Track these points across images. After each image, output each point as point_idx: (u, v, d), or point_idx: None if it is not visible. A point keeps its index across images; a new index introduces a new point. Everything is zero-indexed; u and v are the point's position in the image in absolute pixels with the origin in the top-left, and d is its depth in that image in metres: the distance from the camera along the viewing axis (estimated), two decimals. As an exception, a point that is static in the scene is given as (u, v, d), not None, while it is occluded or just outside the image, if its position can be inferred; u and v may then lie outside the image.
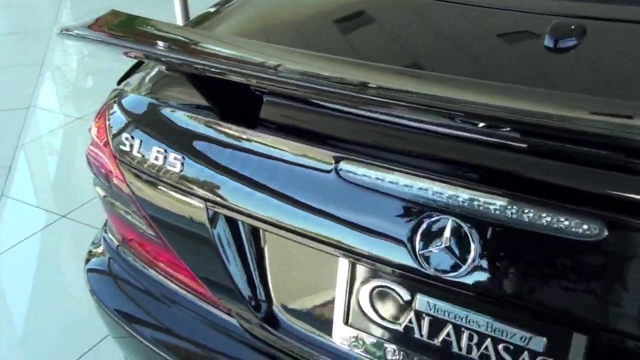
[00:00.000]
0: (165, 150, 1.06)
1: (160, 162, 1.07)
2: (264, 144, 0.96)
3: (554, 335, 0.79)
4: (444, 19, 1.06)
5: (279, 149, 0.95)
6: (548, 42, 0.90)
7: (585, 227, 0.72)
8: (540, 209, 0.75)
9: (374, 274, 0.91)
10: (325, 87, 0.77)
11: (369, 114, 0.91)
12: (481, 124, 0.76)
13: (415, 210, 0.83)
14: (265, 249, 1.02)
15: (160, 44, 0.89)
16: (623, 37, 0.92)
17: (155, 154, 1.07)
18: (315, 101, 0.95)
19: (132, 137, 1.11)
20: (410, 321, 0.89)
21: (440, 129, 0.84)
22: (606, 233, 0.71)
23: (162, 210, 1.10)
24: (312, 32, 1.13)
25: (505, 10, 1.03)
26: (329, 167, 0.89)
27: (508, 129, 0.75)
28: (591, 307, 0.75)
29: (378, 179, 0.85)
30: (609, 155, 0.73)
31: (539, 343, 0.80)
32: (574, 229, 0.73)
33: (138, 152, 1.10)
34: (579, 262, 0.74)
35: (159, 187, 1.09)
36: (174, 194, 1.07)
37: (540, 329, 0.80)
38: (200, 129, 1.03)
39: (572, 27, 0.91)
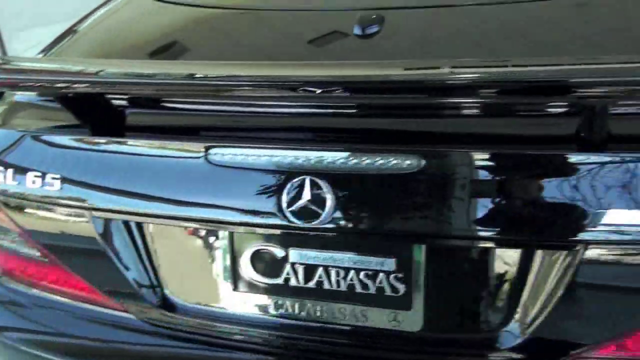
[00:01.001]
0: (41, 174, 1.16)
1: (38, 186, 1.16)
2: (137, 147, 1.10)
3: (400, 252, 1.00)
4: (277, 23, 1.27)
5: (151, 149, 1.09)
6: (357, 30, 1.12)
7: (407, 162, 0.94)
8: (372, 155, 0.96)
9: (251, 240, 1.07)
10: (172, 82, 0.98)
11: (224, 107, 1.09)
12: (318, 91, 0.95)
13: (277, 176, 1.01)
14: (152, 241, 1.14)
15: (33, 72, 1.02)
16: (415, 20, 1.18)
17: (31, 179, 1.16)
18: (176, 103, 1.11)
19: (5, 169, 1.19)
20: (288, 273, 1.07)
21: (284, 109, 1.04)
22: (423, 162, 0.94)
23: (50, 230, 1.19)
24: (152, 45, 1.30)
25: (322, 11, 1.26)
26: (199, 156, 1.05)
27: (339, 91, 0.94)
28: (422, 222, 0.97)
29: (243, 156, 1.02)
30: (414, 104, 0.96)
31: (390, 263, 1.01)
32: (399, 165, 0.95)
33: (14, 181, 1.18)
34: (407, 190, 0.96)
35: (43, 209, 1.18)
36: (58, 212, 1.16)
37: (389, 251, 1.01)
38: (73, 146, 1.14)
39: (374, 16, 1.14)
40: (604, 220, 0.90)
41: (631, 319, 0.94)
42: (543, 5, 1.16)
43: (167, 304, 1.17)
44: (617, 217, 0.89)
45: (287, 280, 1.07)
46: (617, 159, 0.89)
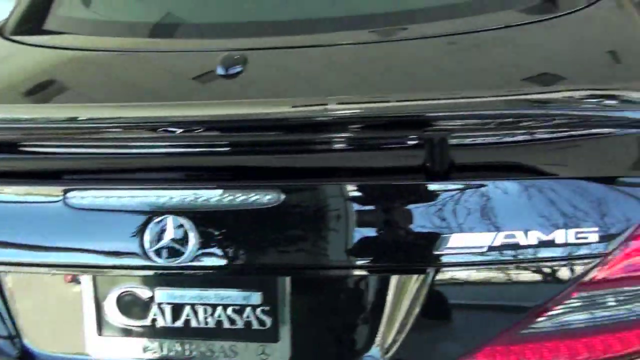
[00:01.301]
0: None
1: None
2: None
3: (265, 285, 1.02)
4: (141, 65, 1.27)
5: (7, 196, 1.05)
6: (220, 71, 1.15)
7: (268, 197, 0.97)
8: (233, 192, 0.98)
9: (116, 283, 1.06)
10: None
11: (84, 149, 1.07)
12: (178, 131, 0.96)
13: (139, 217, 1.01)
14: (10, 289, 1.09)
15: None
16: (275, 59, 1.22)
17: None
18: (34, 147, 1.08)
19: None
20: (154, 314, 1.05)
21: (144, 149, 1.04)
22: (283, 197, 0.97)
23: None
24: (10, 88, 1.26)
25: (190, 52, 1.28)
26: (57, 200, 1.02)
27: (197, 130, 0.96)
28: (284, 255, 1.00)
29: (103, 198, 1.01)
30: (270, 141, 0.99)
31: (256, 297, 1.03)
32: (260, 200, 0.97)
33: None
34: (269, 224, 0.99)
35: None
36: None
37: (254, 285, 1.03)
38: None
39: (237, 57, 1.18)
40: (450, 244, 0.97)
41: (480, 335, 1.01)
42: (398, 45, 1.25)
43: (26, 355, 1.12)
44: (461, 240, 0.97)
45: (154, 321, 1.06)
46: (459, 186, 0.97)
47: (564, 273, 0.97)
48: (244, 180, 1.00)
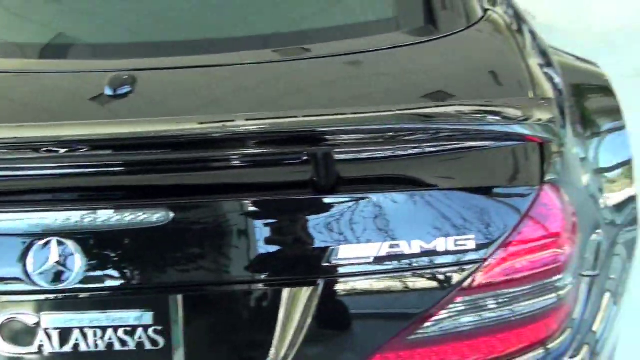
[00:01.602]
0: None
1: None
2: None
3: (157, 305, 1.01)
4: (29, 85, 1.24)
5: None
6: (108, 91, 1.14)
7: (156, 215, 0.97)
8: (120, 211, 0.97)
9: (0, 309, 1.02)
10: None
11: None
12: (62, 151, 0.95)
13: (22, 240, 0.98)
14: None
15: None
16: (165, 79, 1.22)
17: None
18: None
19: None
20: (41, 340, 1.02)
21: (28, 171, 1.01)
22: (172, 215, 0.97)
23: None
24: None
25: (79, 73, 1.25)
26: None
27: (82, 150, 0.95)
28: (174, 273, 1.00)
29: None
30: (158, 160, 0.99)
31: (148, 317, 1.02)
32: (148, 219, 0.97)
33: None
34: (158, 243, 0.99)
35: None
36: None
37: (146, 305, 1.01)
38: None
39: (125, 77, 1.17)
40: (339, 255, 1.00)
41: (371, 343, 1.04)
42: (292, 64, 1.27)
43: None
44: (349, 251, 1.00)
45: (40, 347, 1.03)
46: (346, 199, 1.00)
47: (446, 279, 1.02)
48: (132, 200, 1.00)
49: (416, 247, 1.00)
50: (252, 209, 1.01)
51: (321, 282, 1.01)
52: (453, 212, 1.01)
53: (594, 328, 1.18)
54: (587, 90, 1.63)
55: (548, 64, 1.43)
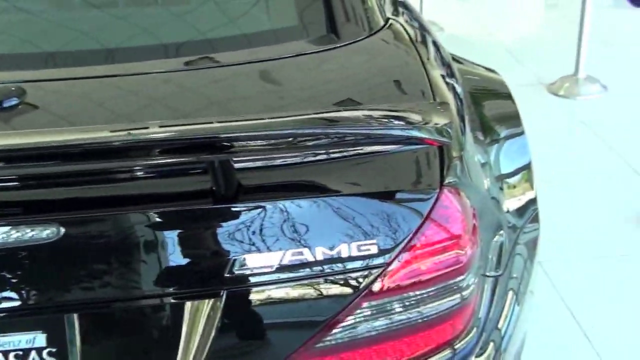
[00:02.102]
0: None
1: None
2: None
3: (51, 325, 0.96)
4: None
5: None
6: None
7: (46, 232, 0.92)
8: (6, 229, 0.92)
9: None
10: None
11: None
12: None
13: None
14: None
15: None
16: (55, 90, 1.17)
17: None
18: None
19: None
20: None
21: None
22: (63, 230, 0.93)
23: None
24: None
25: None
26: None
27: None
28: (70, 291, 0.95)
29: None
30: (46, 173, 0.95)
31: (41, 338, 0.96)
32: (38, 236, 0.92)
33: None
34: (51, 259, 0.94)
35: None
36: None
37: (39, 326, 0.96)
38: None
39: (13, 89, 1.11)
40: (241, 265, 0.98)
41: (278, 354, 1.02)
42: (190, 73, 1.24)
43: None
44: (251, 261, 0.98)
45: None
46: (246, 208, 0.99)
47: (351, 285, 1.02)
48: (19, 216, 0.94)
49: (320, 253, 1.00)
50: (148, 221, 0.97)
51: (224, 293, 0.99)
52: (356, 217, 1.02)
53: (499, 326, 1.21)
54: (487, 97, 1.68)
55: (449, 73, 1.47)
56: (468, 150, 1.24)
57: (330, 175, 1.04)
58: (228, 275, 0.98)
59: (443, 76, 1.37)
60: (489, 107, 1.62)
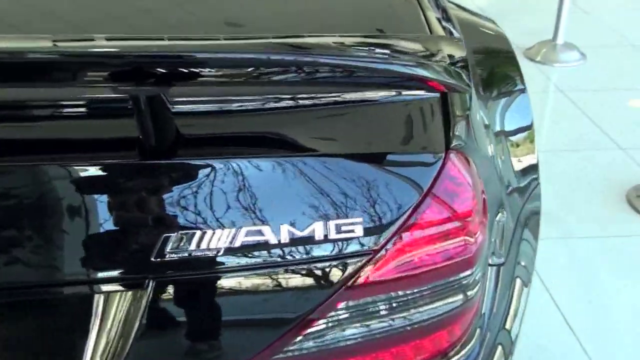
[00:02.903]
0: None
1: None
2: None
3: None
4: None
5: None
6: None
7: None
8: None
9: None
10: None
11: None
12: None
13: None
14: None
15: None
16: None
17: None
18: None
19: None
20: None
21: None
22: None
23: None
24: None
25: None
26: None
27: None
28: None
29: None
30: None
31: None
32: None
33: None
34: None
35: None
36: None
37: None
38: None
39: None
40: (174, 247, 0.71)
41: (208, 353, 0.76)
42: None
43: None
44: (187, 241, 0.71)
45: None
46: (180, 167, 0.71)
47: (324, 277, 0.75)
48: None
49: (285, 234, 0.73)
50: (45, 176, 0.69)
51: (150, 284, 0.71)
52: (335, 186, 0.75)
53: (507, 325, 0.97)
54: (486, 49, 1.42)
55: (447, 18, 1.20)
56: (474, 107, 0.98)
57: (302, 127, 0.76)
58: (157, 259, 0.70)
59: (440, 22, 1.10)
60: (488, 60, 1.36)
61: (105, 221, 0.69)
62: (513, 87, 1.34)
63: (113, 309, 0.72)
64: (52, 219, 0.68)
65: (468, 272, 0.81)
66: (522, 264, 1.06)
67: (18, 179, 0.69)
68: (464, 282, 0.81)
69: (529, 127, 1.31)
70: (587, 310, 2.01)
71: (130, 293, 0.71)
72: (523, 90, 1.35)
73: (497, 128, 1.22)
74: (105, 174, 0.70)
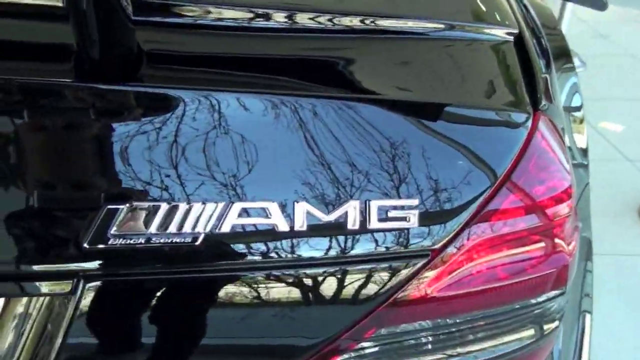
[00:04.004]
0: None
1: None
2: None
3: None
4: None
5: None
6: None
7: None
8: None
9: None
10: None
11: None
12: None
13: None
14: None
15: None
16: None
17: None
18: None
19: None
20: None
21: None
22: None
23: None
24: None
25: None
26: None
27: None
28: None
29: None
30: None
31: None
32: None
33: None
34: None
35: None
36: None
37: None
38: None
39: None
40: (122, 222, 0.44)
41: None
42: None
43: None
44: (145, 216, 0.44)
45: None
46: (145, 97, 0.44)
47: (354, 288, 0.49)
48: None
49: (300, 216, 0.47)
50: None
51: (81, 284, 0.44)
52: (376, 146, 0.49)
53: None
54: (545, 27, 1.20)
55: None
56: (552, 62, 0.74)
57: (336, 57, 0.50)
58: (91, 245, 0.43)
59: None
60: (548, 37, 1.14)
61: (14, 179, 0.42)
62: (566, 64, 1.11)
63: (24, 316, 0.45)
64: None
65: (556, 292, 0.55)
66: (588, 292, 0.81)
67: None
68: (550, 306, 0.55)
69: (580, 107, 1.08)
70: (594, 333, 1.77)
71: (50, 299, 0.44)
72: (573, 68, 1.12)
73: (567, 101, 0.99)
74: (21, 97, 0.43)
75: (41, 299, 0.45)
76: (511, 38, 0.58)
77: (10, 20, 0.46)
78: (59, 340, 0.45)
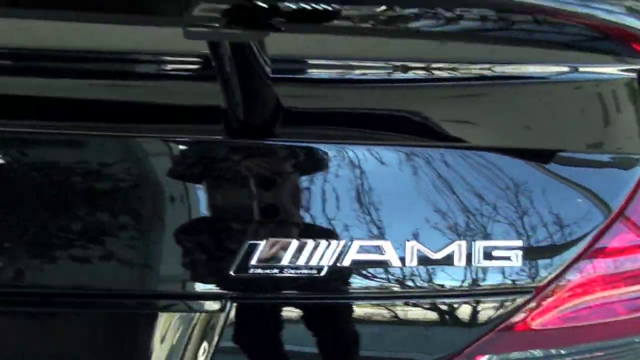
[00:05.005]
0: None
1: None
2: None
3: None
4: None
5: None
6: None
7: None
8: None
9: None
10: None
11: None
12: None
13: None
14: None
15: None
16: None
17: None
18: None
19: None
20: None
21: None
22: None
23: None
24: None
25: None
26: None
27: None
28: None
29: None
30: None
31: None
32: None
33: None
34: None
35: None
36: None
37: None
38: None
39: None
40: (264, 257, 0.52)
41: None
42: None
43: None
44: (279, 251, 0.52)
45: None
46: (287, 153, 0.52)
47: (458, 321, 0.54)
48: None
49: (411, 254, 0.52)
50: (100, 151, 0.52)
51: (229, 305, 0.53)
52: (483, 192, 0.53)
53: None
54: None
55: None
56: None
57: (443, 109, 0.56)
58: (238, 273, 0.52)
59: None
60: None
61: (173, 220, 0.52)
62: None
63: (177, 334, 0.55)
64: (107, 213, 0.52)
65: None
66: None
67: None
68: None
69: None
70: None
71: (201, 316, 0.54)
72: None
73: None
74: (177, 154, 0.53)
75: (197, 314, 0.55)
76: (634, 75, 0.59)
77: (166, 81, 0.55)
78: (214, 344, 0.55)
